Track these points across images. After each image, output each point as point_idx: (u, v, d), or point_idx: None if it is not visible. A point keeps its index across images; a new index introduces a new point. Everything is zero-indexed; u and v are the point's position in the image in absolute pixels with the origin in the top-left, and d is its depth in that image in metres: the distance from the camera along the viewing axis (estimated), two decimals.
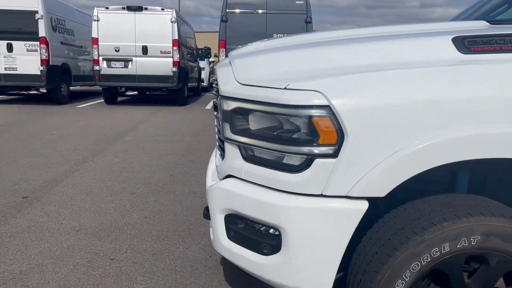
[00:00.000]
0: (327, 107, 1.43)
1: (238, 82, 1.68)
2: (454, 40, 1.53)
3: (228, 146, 1.74)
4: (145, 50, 10.36)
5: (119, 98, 12.65)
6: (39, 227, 3.20)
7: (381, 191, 1.45)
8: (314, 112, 1.44)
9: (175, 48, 10.32)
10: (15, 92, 11.74)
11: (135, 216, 3.45)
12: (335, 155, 1.45)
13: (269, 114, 1.55)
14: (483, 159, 1.46)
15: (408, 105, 1.42)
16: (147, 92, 13.60)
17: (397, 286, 1.48)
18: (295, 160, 1.51)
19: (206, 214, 1.91)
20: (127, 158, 5.35)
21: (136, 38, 10.31)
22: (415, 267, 1.47)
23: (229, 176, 1.75)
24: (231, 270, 2.59)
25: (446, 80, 1.45)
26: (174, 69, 10.37)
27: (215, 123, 1.87)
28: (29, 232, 3.11)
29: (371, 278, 1.51)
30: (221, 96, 1.76)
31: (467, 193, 1.69)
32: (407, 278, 1.47)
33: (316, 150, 1.46)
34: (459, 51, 1.52)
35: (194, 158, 5.40)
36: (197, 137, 6.88)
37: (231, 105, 1.67)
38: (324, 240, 1.49)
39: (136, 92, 13.55)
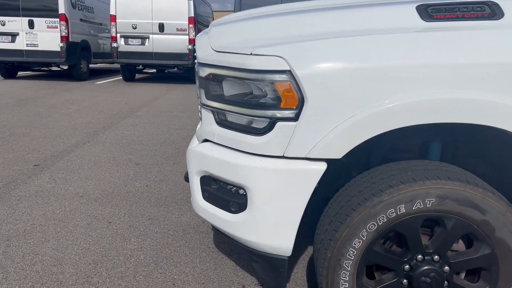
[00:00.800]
0: (288, 72, 1.49)
1: (212, 49, 1.76)
2: (418, 8, 1.56)
3: (204, 112, 1.82)
4: (161, 27, 10.46)
5: (137, 76, 12.85)
6: (46, 192, 3.39)
7: (338, 153, 1.52)
8: (276, 77, 1.51)
9: (191, 25, 10.39)
10: (37, 68, 12.08)
11: (137, 185, 3.60)
12: (295, 118, 1.52)
13: (238, 79, 1.63)
14: (448, 125, 1.50)
15: (367, 70, 1.47)
16: (165, 70, 13.76)
17: (354, 244, 1.56)
18: (261, 124, 1.59)
19: (186, 177, 2.02)
20: (137, 132, 5.51)
21: (153, 15, 10.42)
22: (372, 227, 1.54)
23: (205, 140, 1.85)
24: (220, 236, 2.71)
25: (407, 46, 1.49)
26: (190, 46, 10.45)
27: (197, 91, 1.96)
28: (36, 196, 3.30)
29: (331, 236, 1.59)
30: (198, 63, 1.84)
31: (429, 160, 1.74)
32: (363, 237, 1.55)
33: (279, 113, 1.53)
34: (422, 19, 1.55)
35: None
36: None
37: (205, 71, 1.75)
38: (285, 198, 1.57)
39: (154, 70, 13.73)
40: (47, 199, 3.25)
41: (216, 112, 1.75)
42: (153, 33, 10.53)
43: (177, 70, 12.48)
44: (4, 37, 10.21)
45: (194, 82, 11.51)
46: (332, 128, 1.50)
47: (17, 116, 6.30)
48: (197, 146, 1.83)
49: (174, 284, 2.22)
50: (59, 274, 2.27)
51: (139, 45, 10.59)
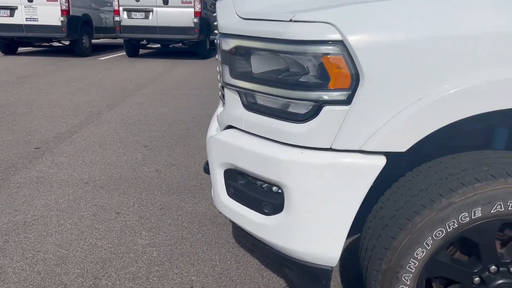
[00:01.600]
0: (340, 43, 1.19)
1: (238, 16, 1.45)
2: None
3: (228, 93, 1.53)
4: (165, 0, 10.01)
5: (141, 51, 12.45)
6: (48, 179, 3.13)
7: (402, 145, 1.22)
8: (324, 49, 1.20)
9: None
10: (38, 44, 11.70)
11: (145, 170, 3.33)
12: (347, 101, 1.22)
13: (273, 53, 1.32)
14: None
15: (441, 40, 1.16)
16: (170, 45, 13.35)
17: (416, 254, 1.28)
18: (302, 108, 1.29)
19: (206, 169, 1.74)
20: (143, 111, 5.22)
21: None
22: (439, 233, 1.26)
23: (229, 127, 1.56)
24: (240, 228, 2.45)
25: (493, 10, 1.17)
26: (195, 20, 10.02)
27: (217, 68, 1.65)
28: (37, 183, 3.04)
29: (386, 244, 1.31)
30: (220, 33, 1.53)
31: (506, 150, 1.44)
32: (428, 246, 1.27)
33: (326, 95, 1.23)
34: None
35: (211, 112, 5.22)
36: (216, 91, 6.67)
37: (230, 44, 1.45)
38: (333, 200, 1.29)
39: (158, 45, 13.33)
40: (49, 187, 2.99)
41: (243, 94, 1.46)
42: (157, 6, 10.08)
43: (182, 44, 12.06)
44: (2, 11, 9.81)
45: (201, 57, 11.12)
46: (396, 113, 1.20)
47: (18, 95, 6.01)
48: (219, 134, 1.54)
49: (192, 287, 1.96)
50: (63, 275, 2.03)
51: (142, 18, 10.16)
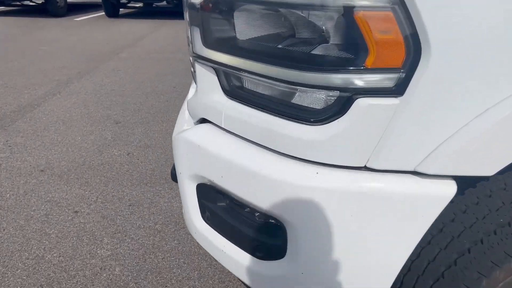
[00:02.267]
0: None
1: None
2: None
3: (200, 70, 1.01)
4: None
5: (122, 11, 11.60)
6: None
7: (489, 166, 0.73)
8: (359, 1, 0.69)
9: None
10: (8, 2, 10.79)
11: (115, 153, 2.82)
12: (398, 90, 0.72)
13: (270, 6, 0.81)
14: None
15: None
16: (153, 5, 12.49)
17: None
18: (318, 101, 0.79)
19: (174, 175, 1.24)
20: (119, 79, 4.64)
21: None
22: None
23: (204, 120, 1.05)
24: None
25: None
26: None
27: (187, 33, 1.12)
28: None
29: None
30: None
31: None
32: None
33: (360, 80, 0.73)
34: None
35: None
36: None
37: None
38: (368, 249, 0.81)
39: (141, 4, 12.45)
40: None
41: (223, 72, 0.94)
42: None
43: (166, 3, 11.24)
44: None
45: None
46: (482, 112, 0.70)
47: None
48: (189, 132, 1.04)
49: None
50: None
51: None
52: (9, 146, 2.89)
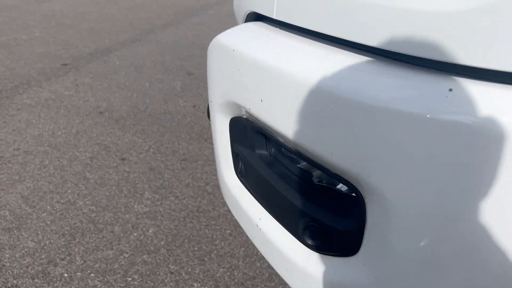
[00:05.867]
0: None
1: None
2: None
3: None
4: None
5: None
6: (58, 102, 2.47)
7: None
8: None
9: None
10: None
11: (181, 103, 2.55)
12: None
13: None
14: None
15: None
16: None
17: None
18: None
19: (207, 110, 0.87)
20: (201, 33, 4.38)
21: None
22: None
23: (253, 17, 0.66)
24: None
25: None
26: None
27: None
28: (42, 107, 2.39)
29: None
30: None
31: None
32: None
33: None
34: None
35: None
36: None
37: None
38: None
39: None
40: (55, 112, 2.33)
41: None
42: None
43: None
44: None
45: None
46: None
47: (74, 6, 5.44)
48: (224, 33, 0.65)
49: None
50: (8, 249, 1.35)
51: None
52: (76, 85, 2.75)
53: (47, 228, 1.45)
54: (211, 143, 2.06)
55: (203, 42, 4.00)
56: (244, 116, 0.62)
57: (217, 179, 1.75)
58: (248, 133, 0.63)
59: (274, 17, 0.55)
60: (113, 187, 1.69)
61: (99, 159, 1.89)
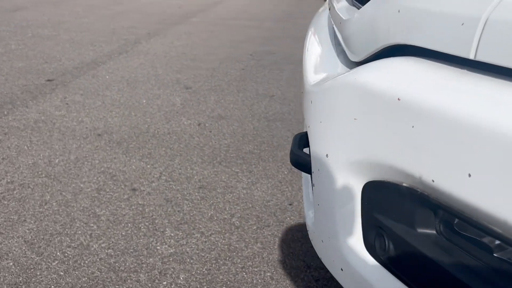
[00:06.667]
0: None
1: None
2: None
3: None
4: None
5: None
6: (50, 124, 2.24)
7: None
8: None
9: None
10: None
11: (184, 122, 2.37)
12: None
13: None
14: None
15: None
16: None
17: None
18: None
19: (297, 158, 0.72)
20: (191, 43, 4.20)
21: None
22: None
23: (395, 50, 0.50)
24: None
25: None
26: None
27: None
28: (33, 130, 2.16)
29: None
30: None
31: None
32: None
33: None
34: None
35: (274, 48, 4.12)
36: (281, 23, 5.49)
37: None
38: None
39: None
40: (48, 136, 2.11)
41: None
42: None
43: None
44: None
45: None
46: None
47: (49, 15, 5.15)
48: (374, 73, 0.49)
49: None
50: None
51: None
52: (67, 103, 2.52)
53: (61, 280, 1.25)
54: (226, 167, 1.89)
55: (193, 52, 3.82)
56: (405, 185, 0.47)
57: (241, 210, 1.58)
58: (407, 205, 0.48)
59: (472, 57, 0.40)
60: (129, 225, 1.50)
61: (107, 190, 1.69)
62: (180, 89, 2.87)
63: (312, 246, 1.42)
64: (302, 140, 0.76)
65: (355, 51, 0.59)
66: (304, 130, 1.55)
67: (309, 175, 0.72)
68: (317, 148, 0.60)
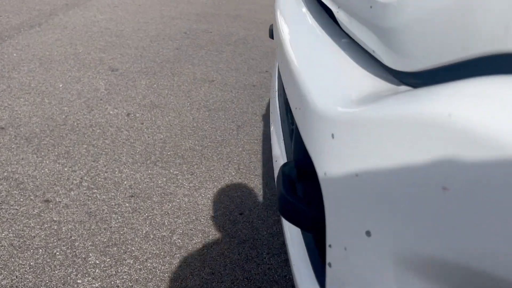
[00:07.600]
0: None
1: None
2: None
3: None
4: None
5: None
6: None
7: None
8: None
9: None
10: None
11: (110, 111, 2.02)
12: None
13: None
14: None
15: None
16: None
17: None
18: None
19: (296, 209, 0.46)
20: (116, 16, 3.74)
21: None
22: None
23: (479, 60, 0.26)
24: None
25: None
26: None
27: None
28: None
29: None
30: None
31: None
32: None
33: None
34: None
35: (210, 27, 3.80)
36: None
37: None
38: None
39: None
40: None
41: None
42: None
43: None
44: None
45: None
46: None
47: None
48: (472, 107, 0.25)
49: None
50: None
51: None
52: None
53: None
54: (163, 168, 1.61)
55: (119, 28, 3.40)
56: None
57: (183, 224, 1.32)
58: None
59: None
60: (40, 251, 1.18)
61: (10, 203, 1.34)
62: (104, 71, 2.49)
63: (269, 268, 1.20)
64: (292, 174, 0.52)
65: (410, 53, 0.35)
66: (271, 137, 1.30)
67: (305, 232, 0.48)
68: (346, 220, 0.36)
